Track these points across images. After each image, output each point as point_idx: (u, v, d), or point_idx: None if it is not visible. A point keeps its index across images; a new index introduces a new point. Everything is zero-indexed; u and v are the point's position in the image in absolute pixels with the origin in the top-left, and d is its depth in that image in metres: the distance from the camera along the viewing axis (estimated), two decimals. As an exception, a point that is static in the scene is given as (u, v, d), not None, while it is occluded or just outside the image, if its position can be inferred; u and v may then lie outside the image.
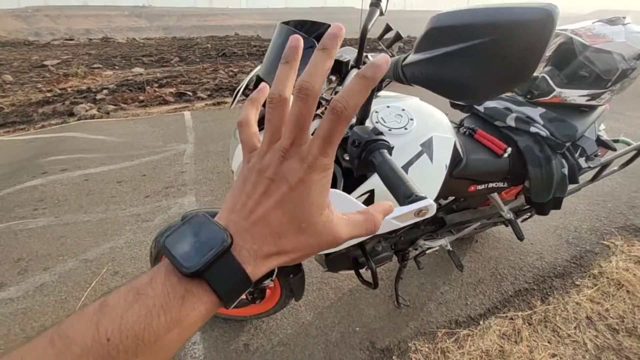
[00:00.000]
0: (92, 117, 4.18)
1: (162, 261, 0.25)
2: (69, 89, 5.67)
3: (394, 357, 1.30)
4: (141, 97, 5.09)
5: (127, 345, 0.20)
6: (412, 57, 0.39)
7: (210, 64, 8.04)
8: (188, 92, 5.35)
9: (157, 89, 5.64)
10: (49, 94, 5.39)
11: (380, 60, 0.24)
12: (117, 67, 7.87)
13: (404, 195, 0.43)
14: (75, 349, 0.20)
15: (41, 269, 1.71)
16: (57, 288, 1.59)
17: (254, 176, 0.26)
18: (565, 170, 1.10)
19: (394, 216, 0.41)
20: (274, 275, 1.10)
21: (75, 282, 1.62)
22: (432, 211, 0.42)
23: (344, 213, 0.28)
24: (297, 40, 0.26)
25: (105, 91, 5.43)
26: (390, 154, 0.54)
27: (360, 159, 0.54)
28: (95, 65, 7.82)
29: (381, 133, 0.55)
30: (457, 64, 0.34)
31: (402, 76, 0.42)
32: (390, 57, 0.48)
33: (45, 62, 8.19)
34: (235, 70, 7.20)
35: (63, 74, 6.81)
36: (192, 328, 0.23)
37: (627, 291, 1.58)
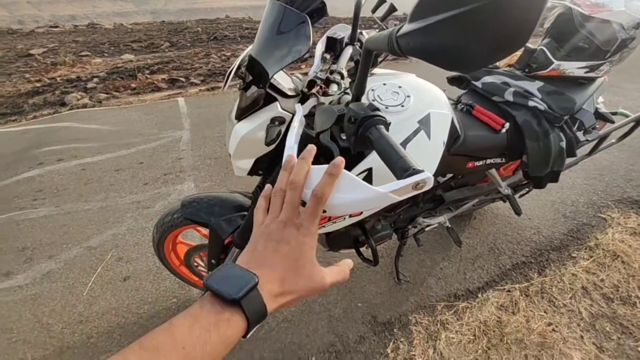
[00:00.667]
0: (85, 106, 4.10)
1: (201, 297, 0.33)
2: (58, 79, 5.53)
3: (395, 330, 1.35)
4: (133, 85, 4.98)
5: (195, 355, 0.28)
6: (406, 28, 0.38)
7: (201, 49, 7.82)
8: (181, 78, 5.23)
9: (148, 76, 5.51)
10: (38, 84, 5.26)
11: (337, 160, 0.39)
12: (106, 54, 7.65)
13: (401, 168, 0.44)
14: (161, 354, 0.27)
15: (46, 257, 1.73)
16: (64, 275, 1.62)
17: (264, 240, 0.38)
18: (564, 144, 1.11)
19: (391, 189, 0.42)
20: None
21: (81, 269, 1.65)
22: (430, 184, 0.42)
23: (328, 267, 0.40)
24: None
25: (95, 79, 5.31)
26: (387, 130, 0.53)
27: (357, 135, 0.53)
28: (83, 53, 7.59)
29: (377, 109, 0.55)
30: (452, 32, 0.34)
31: (397, 48, 0.41)
32: (385, 29, 0.47)
33: (31, 51, 7.94)
34: (227, 54, 7.02)
35: (51, 62, 6.63)
36: (229, 346, 0.31)
37: (622, 262, 1.62)
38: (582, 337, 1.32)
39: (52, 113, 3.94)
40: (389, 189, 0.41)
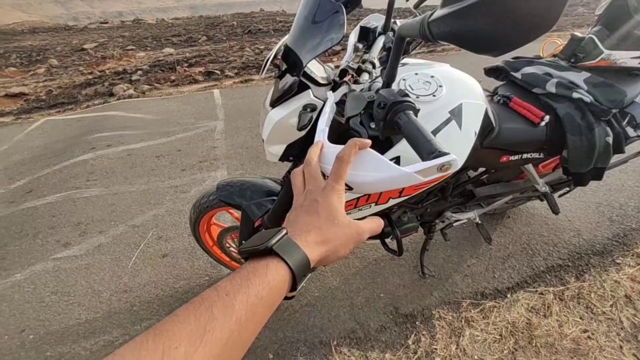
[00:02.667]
0: (130, 96, 4.42)
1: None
2: (107, 71, 6.00)
3: (417, 323, 1.35)
4: (172, 77, 5.27)
5: (240, 299, 0.30)
6: (438, 13, 0.39)
7: (236, 42, 8.06)
8: (216, 71, 5.45)
9: (187, 69, 5.80)
10: (90, 76, 5.75)
11: (364, 139, 0.45)
12: (148, 48, 8.13)
13: (427, 151, 0.45)
14: (206, 301, 0.29)
15: (97, 232, 1.93)
16: (112, 248, 1.80)
17: (296, 210, 0.42)
18: (610, 139, 1.03)
19: (417, 169, 0.43)
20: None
21: (126, 244, 1.82)
22: (456, 167, 0.43)
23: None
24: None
25: (139, 72, 5.68)
26: (416, 116, 0.55)
27: (386, 120, 0.55)
28: (129, 47, 8.13)
29: (407, 95, 0.56)
30: (481, 15, 0.34)
31: (429, 33, 0.42)
32: (419, 15, 0.47)
33: (85, 46, 8.65)
34: (261, 47, 7.17)
35: (101, 56, 7.18)
36: (276, 294, 0.32)
37: (674, 272, 1.48)
38: (621, 347, 1.23)
39: (102, 103, 4.29)
40: (414, 169, 0.43)
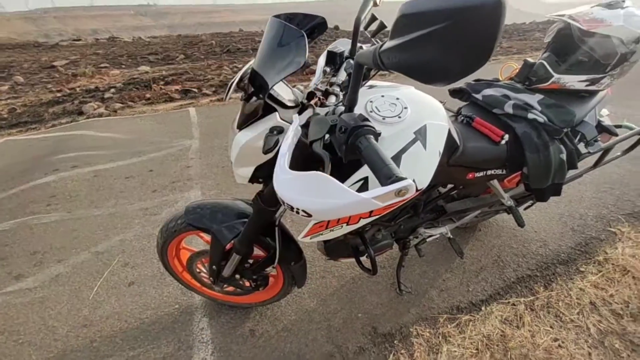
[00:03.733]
0: (100, 115, 4.27)
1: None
2: (77, 89, 5.78)
3: (395, 342, 1.34)
4: (147, 95, 5.16)
5: None
6: (387, 44, 0.41)
7: (215, 61, 8.07)
8: (193, 89, 5.40)
9: (163, 87, 5.71)
10: (58, 94, 5.51)
11: None
12: (123, 66, 7.97)
13: (385, 176, 0.46)
14: None
15: (56, 261, 1.79)
16: (71, 278, 1.67)
17: None
18: (564, 156, 1.10)
19: (374, 195, 0.44)
20: (275, 263, 1.13)
21: (88, 273, 1.69)
22: (412, 191, 0.44)
23: None
24: None
25: (112, 90, 5.53)
26: (377, 140, 0.56)
27: (347, 144, 0.56)
28: (102, 65, 7.94)
29: (367, 119, 0.57)
30: (425, 48, 0.36)
31: (380, 63, 0.44)
32: (373, 45, 0.49)
33: (55, 63, 8.35)
34: (239, 65, 7.22)
35: (72, 74, 6.94)
36: None
37: (633, 277, 1.57)
38: (590, 354, 1.27)
39: (70, 121, 4.11)
40: (372, 195, 0.43)
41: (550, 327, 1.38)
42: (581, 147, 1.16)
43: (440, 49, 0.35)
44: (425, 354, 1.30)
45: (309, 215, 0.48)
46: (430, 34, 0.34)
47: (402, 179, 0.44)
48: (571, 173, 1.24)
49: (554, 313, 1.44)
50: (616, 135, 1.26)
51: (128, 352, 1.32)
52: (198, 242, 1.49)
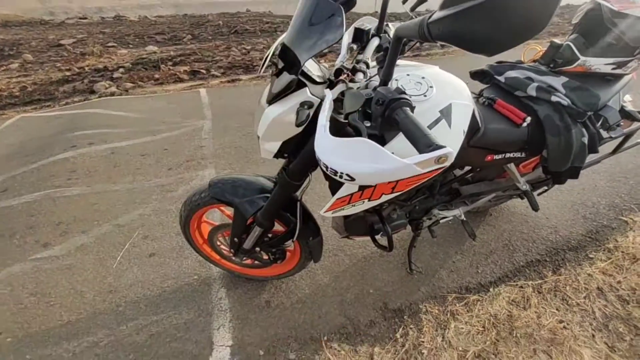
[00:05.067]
0: (112, 94, 4.29)
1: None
2: (86, 68, 5.78)
3: (405, 317, 1.39)
4: (156, 75, 5.14)
5: None
6: (437, 15, 0.42)
7: (222, 42, 7.95)
8: (202, 70, 5.36)
9: (171, 67, 5.68)
10: (68, 73, 5.52)
11: None
12: (131, 46, 7.91)
13: (425, 144, 0.48)
14: None
15: (80, 231, 1.86)
16: (95, 248, 1.75)
17: None
18: (585, 140, 1.10)
19: (416, 161, 0.46)
20: (295, 238, 1.17)
21: (110, 244, 1.77)
22: (451, 159, 0.46)
23: None
24: None
25: (121, 69, 5.51)
26: (413, 112, 0.58)
27: (384, 117, 0.58)
28: (110, 44, 7.87)
29: (404, 92, 0.59)
30: (478, 18, 0.38)
31: (428, 34, 0.45)
32: (415, 17, 0.50)
33: (62, 42, 8.30)
34: (247, 47, 7.12)
35: (80, 52, 6.92)
36: None
37: (642, 265, 1.59)
38: (593, 335, 1.31)
39: (82, 100, 4.14)
40: (413, 161, 0.45)
41: (557, 309, 1.42)
42: (603, 131, 1.15)
43: (494, 19, 0.36)
44: (433, 330, 1.35)
45: (352, 179, 0.51)
46: (486, 3, 0.35)
47: (441, 146, 0.46)
48: (590, 158, 1.24)
49: (560, 296, 1.47)
50: (639, 121, 1.25)
51: (152, 317, 1.39)
52: (217, 216, 1.54)
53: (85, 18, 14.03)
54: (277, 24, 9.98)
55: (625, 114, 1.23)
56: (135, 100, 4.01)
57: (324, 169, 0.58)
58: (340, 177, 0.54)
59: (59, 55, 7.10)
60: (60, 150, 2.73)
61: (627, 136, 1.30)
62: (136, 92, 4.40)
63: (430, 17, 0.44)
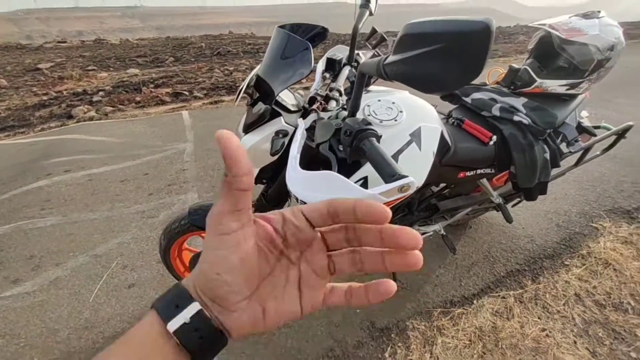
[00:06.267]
0: (91, 118, 4.22)
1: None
2: (64, 92, 5.68)
3: (392, 335, 1.39)
4: (138, 98, 5.11)
5: None
6: (391, 58, 0.47)
7: (205, 63, 8.04)
8: (184, 92, 5.38)
9: (153, 90, 5.66)
10: (45, 97, 5.41)
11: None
12: (111, 69, 7.86)
13: (388, 174, 0.51)
14: None
15: (53, 264, 1.78)
16: (71, 282, 1.67)
17: None
18: (547, 155, 1.18)
19: (380, 191, 0.49)
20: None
21: (87, 276, 1.70)
22: (413, 188, 0.49)
23: None
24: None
25: (101, 93, 5.45)
26: (379, 142, 0.61)
27: (352, 147, 0.61)
28: (89, 67, 7.80)
29: (369, 123, 0.62)
30: (426, 63, 0.42)
31: (384, 73, 0.50)
32: (375, 56, 0.55)
33: (39, 66, 8.15)
34: (230, 68, 7.21)
35: (58, 76, 6.81)
36: None
37: (614, 269, 1.66)
38: (575, 342, 1.35)
39: (59, 125, 4.04)
40: (377, 191, 0.48)
41: (538, 318, 1.45)
42: (563, 147, 1.24)
43: (439, 65, 0.41)
44: (421, 346, 1.35)
45: None
46: (430, 52, 0.40)
47: (404, 176, 0.49)
48: (555, 172, 1.32)
49: (541, 305, 1.51)
50: (595, 135, 1.35)
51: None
52: (199, 242, 1.51)
53: (65, 42, 13.90)
54: (260, 45, 10.20)
55: (583, 130, 1.32)
56: (115, 125, 3.95)
57: (295, 200, 0.60)
58: None
59: (35, 79, 6.95)
60: (34, 179, 2.64)
61: (587, 150, 1.39)
62: (116, 116, 4.35)
63: (385, 59, 0.48)
